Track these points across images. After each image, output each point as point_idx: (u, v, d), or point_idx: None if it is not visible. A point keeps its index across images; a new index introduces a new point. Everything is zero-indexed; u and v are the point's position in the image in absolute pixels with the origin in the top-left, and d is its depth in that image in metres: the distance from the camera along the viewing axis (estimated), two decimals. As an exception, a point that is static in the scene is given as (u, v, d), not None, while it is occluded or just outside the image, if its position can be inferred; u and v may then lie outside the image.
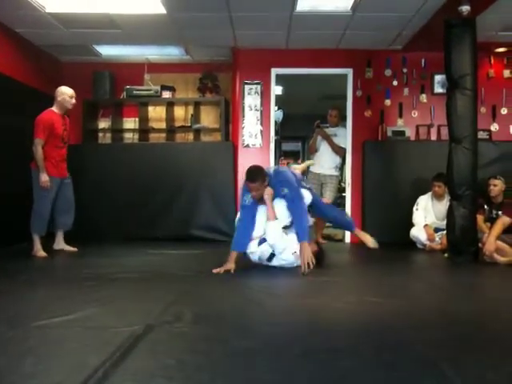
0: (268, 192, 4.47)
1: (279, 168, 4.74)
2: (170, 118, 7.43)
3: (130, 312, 2.85)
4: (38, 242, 5.13)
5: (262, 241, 4.45)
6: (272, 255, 4.47)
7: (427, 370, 1.95)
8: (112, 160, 6.71)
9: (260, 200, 4.50)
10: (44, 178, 5.01)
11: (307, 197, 4.68)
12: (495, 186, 5.51)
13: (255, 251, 4.48)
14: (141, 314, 2.73)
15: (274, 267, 4.49)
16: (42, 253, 5.10)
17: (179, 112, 7.64)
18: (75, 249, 5.41)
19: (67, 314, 2.68)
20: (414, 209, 6.11)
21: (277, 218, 4.44)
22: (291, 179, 4.62)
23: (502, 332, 2.55)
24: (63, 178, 5.31)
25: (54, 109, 5.20)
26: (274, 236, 4.40)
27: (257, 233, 4.50)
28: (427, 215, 6.05)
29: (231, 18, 5.74)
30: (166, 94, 7.28)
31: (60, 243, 5.41)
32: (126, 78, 7.34)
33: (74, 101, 5.26)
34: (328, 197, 6.59)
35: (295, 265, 4.47)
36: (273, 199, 4.49)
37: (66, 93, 5.19)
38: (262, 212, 4.52)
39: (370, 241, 5.07)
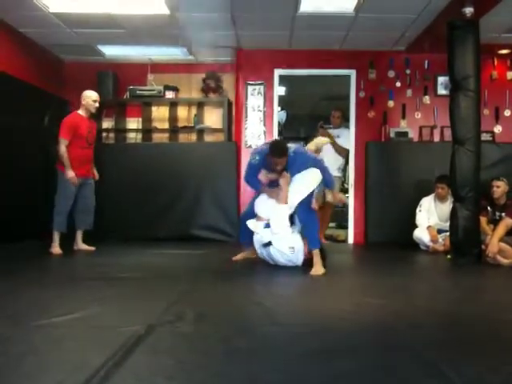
0: (285, 176, 4.48)
1: (298, 148, 4.70)
2: (173, 118, 7.44)
3: (131, 311, 2.85)
4: (56, 238, 5.29)
5: (267, 226, 4.48)
6: (269, 243, 4.47)
7: (428, 371, 1.94)
8: (115, 160, 6.72)
9: (272, 183, 4.56)
10: (70, 174, 5.19)
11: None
12: (498, 187, 5.50)
13: (259, 232, 4.52)
14: (143, 314, 2.73)
15: (276, 266, 4.49)
16: (57, 249, 5.24)
17: (182, 112, 7.65)
18: (93, 248, 5.51)
19: (69, 313, 2.68)
20: (417, 210, 6.10)
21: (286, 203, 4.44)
22: (313, 159, 4.65)
23: (503, 333, 2.54)
24: (85, 178, 5.43)
25: (80, 112, 5.41)
26: (279, 221, 4.40)
27: (266, 214, 4.53)
28: (430, 217, 6.04)
29: (234, 19, 5.74)
30: (170, 94, 7.29)
31: (78, 243, 5.53)
32: (129, 78, 7.36)
33: (97, 104, 5.45)
34: (331, 198, 6.58)
35: (291, 264, 4.47)
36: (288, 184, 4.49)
37: (89, 96, 5.41)
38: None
39: (317, 270, 4.29)
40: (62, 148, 5.18)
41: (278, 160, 4.39)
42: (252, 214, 4.67)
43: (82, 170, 5.37)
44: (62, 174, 5.25)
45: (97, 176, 5.66)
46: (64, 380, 1.76)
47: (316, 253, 4.36)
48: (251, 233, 4.61)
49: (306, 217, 4.48)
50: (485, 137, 6.34)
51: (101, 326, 2.50)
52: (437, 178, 5.92)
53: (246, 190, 6.83)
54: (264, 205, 4.59)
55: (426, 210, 6.06)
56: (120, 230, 6.56)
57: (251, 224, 4.58)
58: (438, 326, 2.69)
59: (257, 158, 4.56)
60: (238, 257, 4.79)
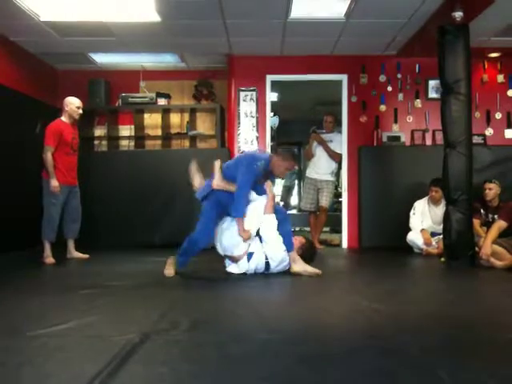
0: (269, 185, 4.48)
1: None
2: (165, 124, 7.44)
3: (126, 320, 2.84)
4: (48, 248, 5.25)
5: (250, 256, 4.37)
6: (267, 264, 4.40)
7: (424, 375, 1.94)
8: (108, 167, 6.71)
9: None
10: (54, 182, 5.16)
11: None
12: (490, 189, 5.53)
13: (248, 269, 4.40)
14: (137, 322, 2.72)
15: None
16: (50, 259, 5.21)
17: (175, 119, 7.66)
18: (87, 256, 5.50)
19: (64, 322, 2.67)
20: (411, 213, 6.12)
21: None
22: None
23: (499, 336, 2.54)
24: (72, 186, 5.43)
25: (63, 118, 5.40)
26: (270, 232, 4.36)
27: (239, 251, 4.37)
28: (424, 219, 6.06)
29: (226, 25, 5.76)
30: (162, 101, 7.30)
31: (71, 252, 5.51)
32: (121, 86, 7.37)
33: (80, 111, 5.46)
34: (324, 202, 6.61)
35: (282, 267, 4.45)
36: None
37: (73, 103, 5.41)
38: (235, 227, 4.36)
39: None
40: (48, 155, 5.16)
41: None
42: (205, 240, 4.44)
43: (69, 177, 5.37)
44: (47, 182, 5.22)
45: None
46: (59, 391, 1.75)
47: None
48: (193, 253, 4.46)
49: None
50: (476, 140, 6.37)
51: (96, 336, 2.49)
52: (431, 182, 5.95)
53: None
54: (235, 240, 4.34)
55: (419, 213, 6.08)
56: (113, 237, 6.53)
57: (234, 269, 4.43)
58: (434, 329, 2.69)
59: (259, 164, 4.31)
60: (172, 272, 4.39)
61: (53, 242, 5.31)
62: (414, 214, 6.11)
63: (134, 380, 1.89)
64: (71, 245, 5.51)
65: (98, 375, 1.86)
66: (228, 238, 4.40)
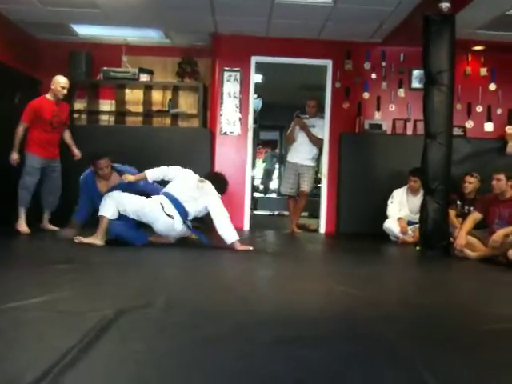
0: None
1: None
2: (147, 101, 7.34)
3: (100, 296, 2.82)
4: (22, 216, 5.43)
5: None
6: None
7: (399, 361, 1.97)
8: (87, 142, 6.59)
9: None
10: (13, 156, 5.33)
11: None
12: (470, 183, 5.61)
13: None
14: (112, 299, 2.70)
15: (245, 254, 4.50)
16: (23, 227, 5.39)
17: (157, 96, 7.56)
18: (57, 228, 5.57)
19: (37, 296, 2.63)
20: (389, 202, 6.17)
21: None
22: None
23: (472, 325, 2.59)
24: (51, 160, 5.59)
25: (48, 95, 5.52)
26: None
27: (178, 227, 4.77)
28: (402, 208, 6.11)
29: (212, 3, 5.68)
30: (144, 77, 7.18)
31: (44, 223, 5.71)
32: (103, 59, 7.21)
33: (65, 91, 5.53)
34: (306, 187, 6.63)
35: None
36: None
37: (58, 82, 5.48)
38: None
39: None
40: (19, 130, 5.35)
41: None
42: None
43: (46, 152, 5.52)
44: (25, 154, 5.42)
45: (78, 155, 5.77)
46: (30, 364, 1.73)
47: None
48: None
49: None
50: (456, 131, 6.42)
51: (69, 311, 2.47)
52: (410, 171, 5.98)
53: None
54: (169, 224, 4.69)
55: (397, 202, 6.13)
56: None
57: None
58: (408, 316, 2.73)
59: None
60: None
61: (26, 207, 5.44)
62: (391, 202, 6.16)
63: (107, 356, 1.88)
64: (45, 216, 5.71)
65: (70, 350, 1.84)
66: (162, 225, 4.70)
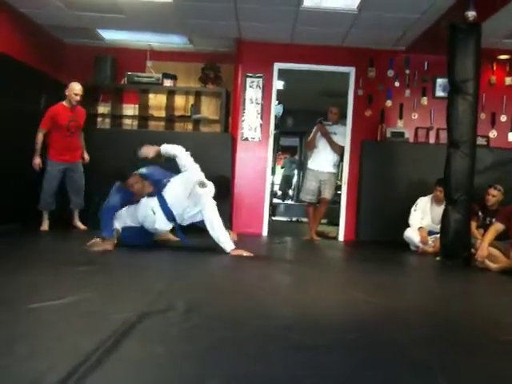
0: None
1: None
2: (170, 106, 7.41)
3: (123, 298, 2.85)
4: (45, 217, 5.80)
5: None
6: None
7: (415, 368, 1.96)
8: (110, 145, 6.67)
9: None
10: (35, 160, 5.60)
11: None
12: (494, 196, 5.55)
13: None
14: (134, 301, 2.73)
15: (264, 260, 4.50)
16: (44, 227, 5.76)
17: (179, 101, 7.62)
18: (85, 227, 5.95)
19: (61, 297, 2.67)
20: (412, 209, 6.09)
21: None
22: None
23: (490, 334, 2.56)
24: (72, 163, 5.87)
25: (64, 102, 5.77)
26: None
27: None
28: (424, 217, 6.03)
29: (236, 9, 5.71)
30: (168, 83, 7.25)
31: (75, 221, 6.07)
32: (127, 64, 7.31)
33: (78, 98, 5.76)
34: (327, 194, 6.61)
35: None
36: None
37: (72, 89, 5.72)
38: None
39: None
40: (38, 136, 5.61)
41: None
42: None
43: (66, 155, 5.80)
44: (46, 160, 5.72)
45: (87, 159, 6.01)
46: (55, 365, 1.76)
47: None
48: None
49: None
50: (480, 141, 6.33)
51: (92, 312, 2.50)
52: (437, 181, 5.79)
53: (239, 184, 6.84)
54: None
55: (420, 210, 6.04)
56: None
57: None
58: (425, 324, 2.72)
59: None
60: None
61: (48, 210, 5.80)
62: (415, 210, 6.06)
63: (129, 359, 1.90)
64: (75, 215, 6.06)
65: (94, 352, 1.87)
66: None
